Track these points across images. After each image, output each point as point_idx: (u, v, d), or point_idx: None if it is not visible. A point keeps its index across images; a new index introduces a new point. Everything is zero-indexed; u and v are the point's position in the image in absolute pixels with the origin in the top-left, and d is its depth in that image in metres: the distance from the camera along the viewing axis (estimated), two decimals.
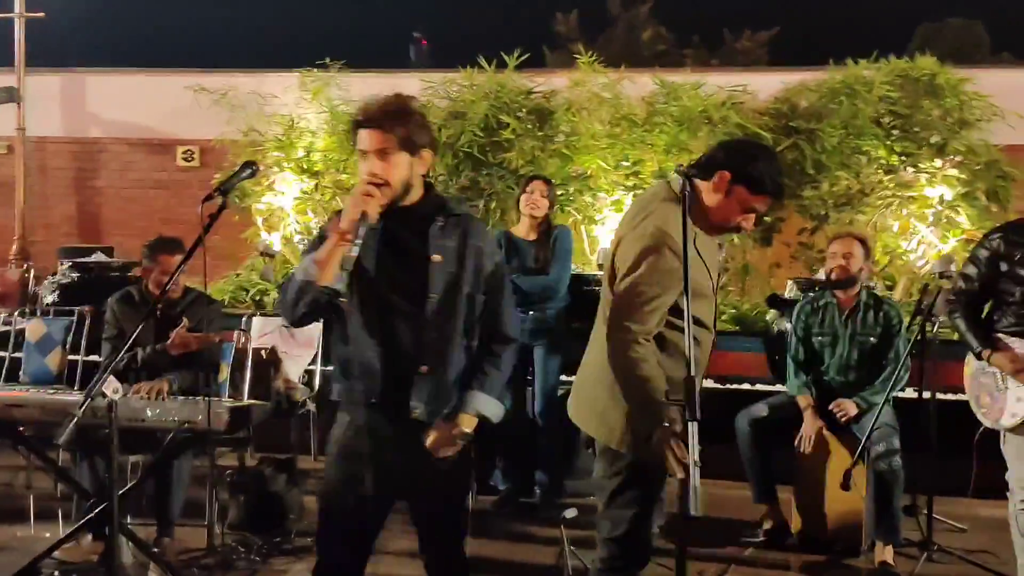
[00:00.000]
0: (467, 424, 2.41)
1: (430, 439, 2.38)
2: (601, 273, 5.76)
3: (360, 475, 2.39)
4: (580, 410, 2.65)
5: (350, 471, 2.40)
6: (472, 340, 2.45)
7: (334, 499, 2.44)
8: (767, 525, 4.23)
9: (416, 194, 2.41)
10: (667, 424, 2.29)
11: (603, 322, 2.54)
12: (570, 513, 3.69)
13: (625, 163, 6.72)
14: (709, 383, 5.37)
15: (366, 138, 2.33)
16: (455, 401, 2.41)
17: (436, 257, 2.38)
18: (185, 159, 9.23)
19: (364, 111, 2.35)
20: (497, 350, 2.48)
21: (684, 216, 2.30)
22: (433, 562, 2.55)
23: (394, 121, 2.31)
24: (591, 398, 2.59)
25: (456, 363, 2.41)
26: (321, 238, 2.38)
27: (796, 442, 4.13)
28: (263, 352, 4.51)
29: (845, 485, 4.00)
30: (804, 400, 4.18)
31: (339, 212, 2.34)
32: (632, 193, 6.67)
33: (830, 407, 4.10)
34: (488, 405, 2.44)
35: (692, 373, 2.15)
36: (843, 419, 4.07)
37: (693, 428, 2.07)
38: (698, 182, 2.52)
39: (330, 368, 5.32)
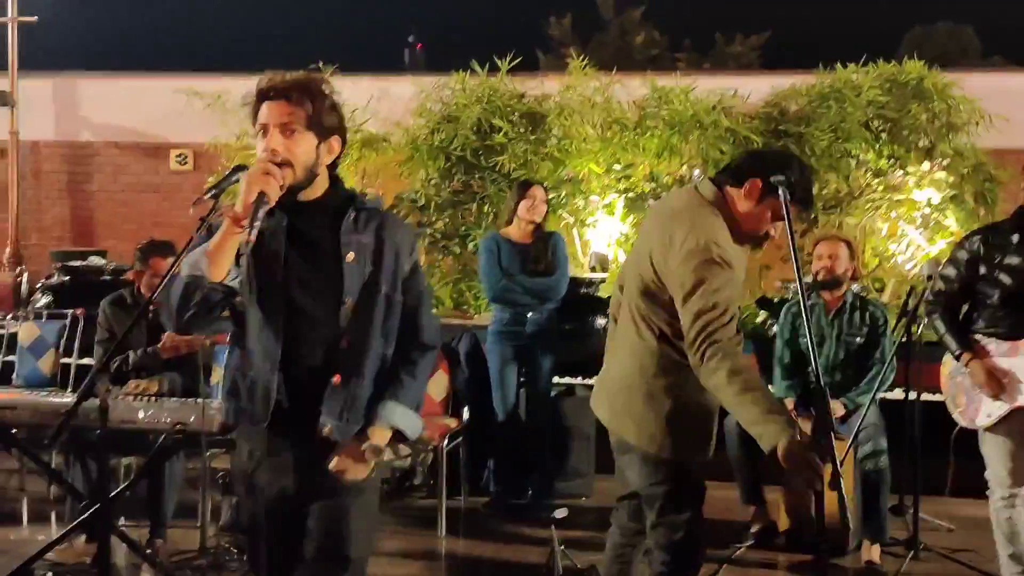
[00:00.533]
0: (379, 438, 2.11)
1: (335, 460, 2.07)
2: (594, 276, 5.82)
3: (273, 507, 2.12)
4: (617, 418, 2.64)
5: (261, 505, 2.14)
6: (388, 348, 2.16)
7: (255, 533, 2.18)
8: (756, 527, 4.27)
9: (322, 187, 2.13)
10: (796, 435, 2.26)
11: (634, 331, 2.56)
12: (560, 513, 3.72)
13: (617, 167, 6.76)
14: None
15: (268, 110, 2.06)
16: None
17: (350, 256, 2.10)
18: (178, 163, 9.25)
19: (270, 81, 2.09)
20: (414, 357, 2.19)
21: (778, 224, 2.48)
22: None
23: (303, 95, 2.05)
24: (627, 407, 2.59)
25: (371, 373, 2.13)
26: (209, 231, 2.09)
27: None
28: None
29: (833, 484, 4.03)
30: (790, 403, 4.22)
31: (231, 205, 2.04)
32: (624, 196, 6.72)
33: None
34: (404, 417, 2.14)
35: (821, 383, 2.22)
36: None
37: (832, 440, 2.14)
38: (729, 189, 2.54)
39: None
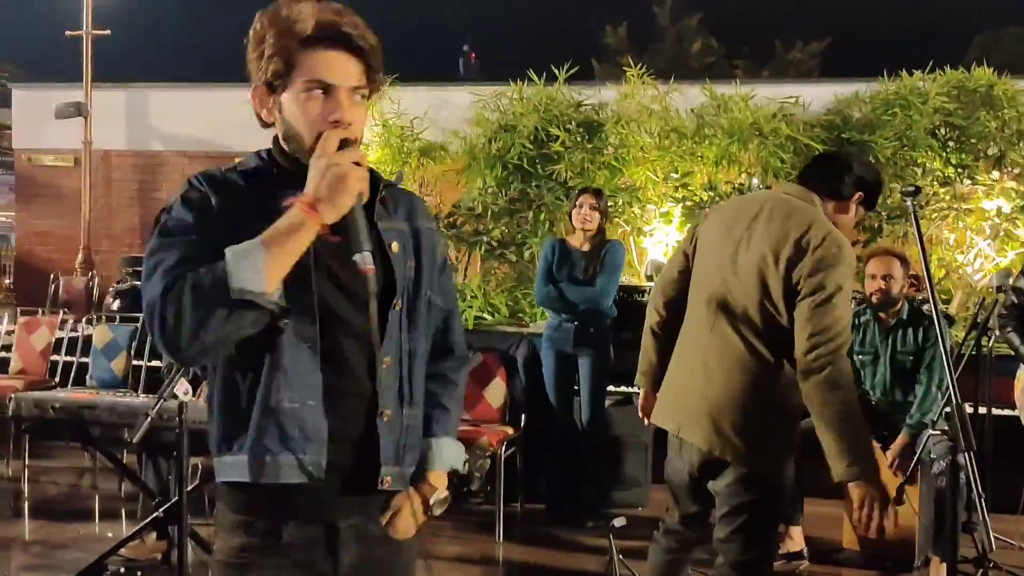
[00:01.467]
0: (443, 484, 1.66)
1: (397, 521, 1.60)
2: (651, 284, 5.79)
3: None
4: (722, 438, 2.45)
5: None
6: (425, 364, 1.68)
7: None
8: (786, 549, 4.06)
9: None
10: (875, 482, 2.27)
11: (742, 345, 2.43)
12: (619, 522, 3.71)
13: (674, 175, 6.74)
14: None
15: (335, 65, 1.48)
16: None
17: (395, 246, 1.58)
18: None
19: (333, 20, 1.47)
20: (454, 376, 1.74)
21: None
22: None
23: (375, 53, 1.52)
24: (738, 425, 2.43)
25: (421, 398, 1.65)
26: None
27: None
28: None
29: (899, 500, 3.94)
30: None
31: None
32: (681, 204, 6.69)
33: (890, 464, 3.98)
34: (456, 453, 1.70)
35: (957, 402, 2.18)
36: (905, 461, 3.95)
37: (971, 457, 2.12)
38: (824, 200, 2.52)
39: None
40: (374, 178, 1.57)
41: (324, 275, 1.51)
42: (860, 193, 2.52)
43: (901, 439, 3.94)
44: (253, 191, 1.54)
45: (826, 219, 2.45)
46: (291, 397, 1.49)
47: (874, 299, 4.04)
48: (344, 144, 1.45)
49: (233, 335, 1.41)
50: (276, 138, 1.58)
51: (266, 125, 1.58)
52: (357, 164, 1.44)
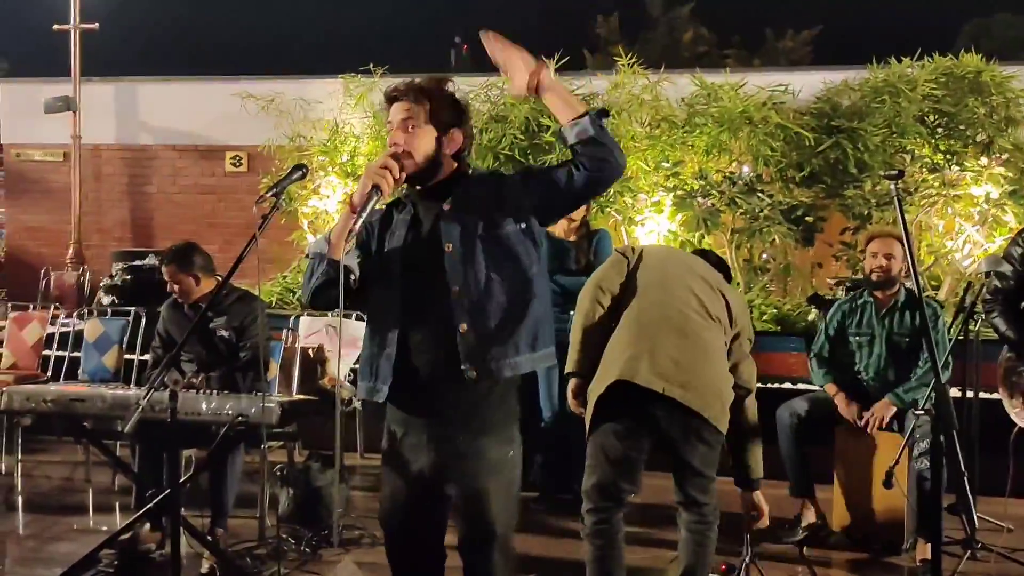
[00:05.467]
0: None
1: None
2: None
3: (412, 485, 2.31)
4: (709, 400, 2.99)
5: (401, 483, 2.34)
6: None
7: (391, 511, 2.37)
8: (806, 521, 4.23)
9: (447, 174, 2.34)
10: None
11: (716, 335, 3.09)
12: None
13: (665, 164, 6.75)
14: None
15: (392, 110, 2.33)
16: None
17: (446, 206, 2.33)
18: (233, 165, 9.46)
19: (395, 86, 2.36)
20: None
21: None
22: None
23: (421, 95, 2.29)
24: (718, 389, 3.03)
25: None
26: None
27: (857, 420, 4.10)
28: (310, 351, 4.65)
29: (887, 483, 3.99)
30: (831, 388, 4.18)
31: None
32: (672, 194, 6.70)
33: (863, 422, 4.06)
34: None
35: (943, 381, 2.41)
36: (880, 424, 4.04)
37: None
38: None
39: None
40: (464, 177, 2.36)
41: (410, 252, 2.31)
42: None
43: (883, 401, 4.00)
44: (391, 207, 2.44)
45: None
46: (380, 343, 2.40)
47: (874, 276, 4.11)
48: (396, 157, 2.24)
49: (313, 284, 2.27)
50: None
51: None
52: (384, 168, 2.18)
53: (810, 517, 4.24)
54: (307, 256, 2.34)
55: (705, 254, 3.57)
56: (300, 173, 2.72)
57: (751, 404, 3.19)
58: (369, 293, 2.30)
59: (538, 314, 2.24)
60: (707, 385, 2.99)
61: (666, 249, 3.52)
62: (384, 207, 2.33)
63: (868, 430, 4.05)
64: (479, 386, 2.19)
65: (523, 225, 2.25)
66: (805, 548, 3.96)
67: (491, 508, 2.22)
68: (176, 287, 4.09)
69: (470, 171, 2.38)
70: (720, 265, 3.45)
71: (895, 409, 4.05)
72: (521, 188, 2.27)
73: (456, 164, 2.33)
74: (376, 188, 2.16)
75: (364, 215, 2.16)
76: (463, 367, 2.17)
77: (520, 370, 2.23)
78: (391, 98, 2.34)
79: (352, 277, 2.25)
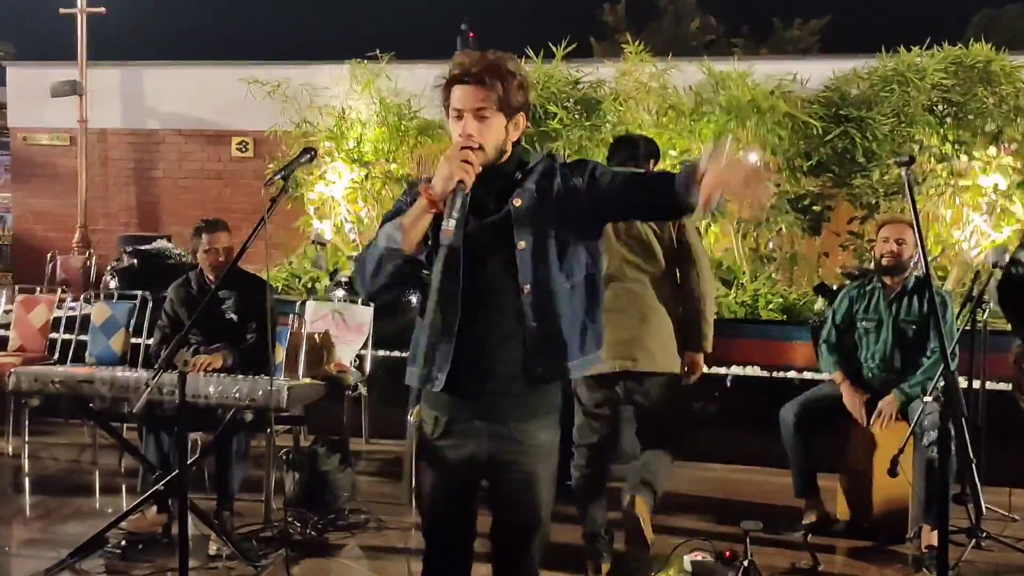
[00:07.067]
0: None
1: None
2: None
3: (456, 473, 2.22)
4: (664, 355, 3.50)
5: (442, 471, 2.23)
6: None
7: (434, 499, 2.25)
8: (808, 520, 4.19)
9: (504, 158, 2.16)
10: None
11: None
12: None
13: (672, 152, 6.73)
14: (757, 371, 5.39)
15: (463, 95, 2.09)
16: None
17: (517, 202, 2.15)
18: (239, 150, 9.46)
19: (461, 66, 2.11)
20: None
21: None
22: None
23: (494, 78, 2.08)
24: (670, 341, 3.53)
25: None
26: (404, 202, 2.14)
27: (863, 419, 4.11)
28: (316, 336, 4.64)
29: (892, 471, 3.99)
30: (839, 376, 4.18)
31: (428, 178, 2.08)
32: None
33: (872, 420, 4.05)
34: None
35: (951, 367, 2.40)
36: (888, 419, 4.03)
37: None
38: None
39: (383, 353, 5.47)
40: (522, 163, 2.18)
41: (470, 240, 2.11)
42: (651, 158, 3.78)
43: (890, 398, 4.00)
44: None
45: None
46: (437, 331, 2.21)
47: (884, 261, 4.11)
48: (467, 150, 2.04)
49: (381, 279, 2.08)
50: None
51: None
52: (467, 163, 2.00)
53: (812, 517, 4.18)
54: (375, 249, 2.09)
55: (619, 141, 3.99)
56: (308, 156, 2.73)
57: (695, 275, 3.57)
58: (427, 279, 2.15)
59: (596, 316, 2.19)
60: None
61: None
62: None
63: (879, 428, 4.03)
64: (538, 380, 2.15)
65: (589, 225, 2.17)
66: (809, 536, 3.96)
67: (539, 494, 2.19)
68: (219, 260, 4.08)
69: (527, 156, 2.21)
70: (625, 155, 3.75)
71: (898, 407, 4.03)
72: (588, 188, 2.14)
73: (513, 147, 2.18)
74: (462, 183, 1.99)
75: (456, 215, 1.97)
76: (531, 365, 2.11)
77: (579, 372, 2.18)
78: (459, 80, 2.10)
79: (424, 272, 2.13)
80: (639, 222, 3.47)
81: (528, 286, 2.09)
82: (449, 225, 1.96)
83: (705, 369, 3.74)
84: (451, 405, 2.17)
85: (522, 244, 2.09)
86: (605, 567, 3.58)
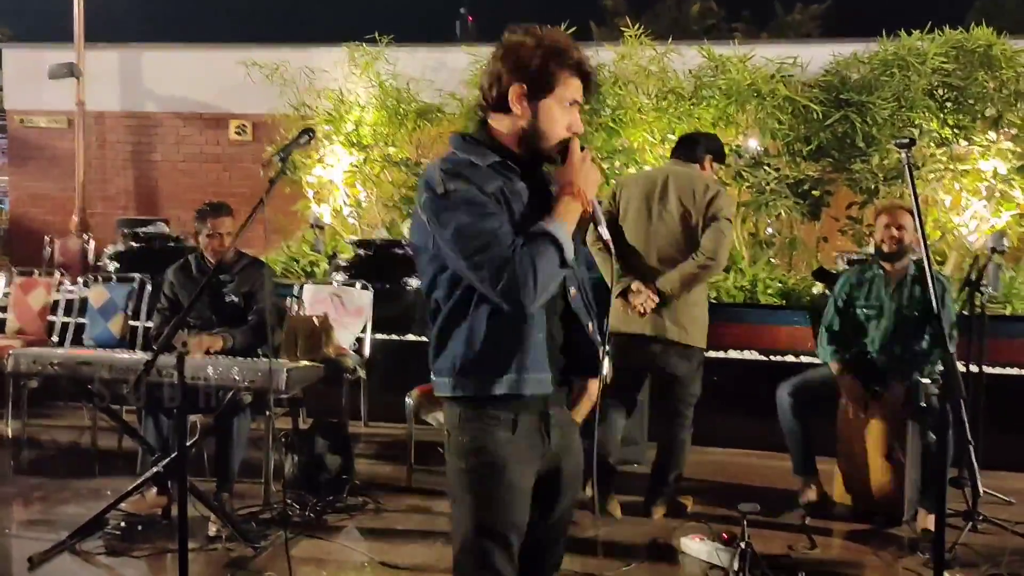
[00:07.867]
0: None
1: (584, 405, 2.13)
2: None
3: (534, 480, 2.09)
4: (694, 329, 3.99)
5: (520, 482, 2.04)
6: None
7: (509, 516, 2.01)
8: (808, 498, 4.24)
9: None
10: None
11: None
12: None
13: (672, 136, 6.71)
14: (755, 356, 5.41)
15: (580, 89, 2.07)
16: None
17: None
18: (238, 133, 9.43)
19: (584, 59, 2.08)
20: None
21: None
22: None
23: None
24: (699, 316, 4.02)
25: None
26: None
27: (845, 406, 4.12)
28: (315, 319, 4.65)
29: (889, 455, 4.01)
30: (836, 366, 4.18)
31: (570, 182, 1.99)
32: None
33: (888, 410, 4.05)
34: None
35: (950, 349, 2.43)
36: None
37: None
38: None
39: (382, 336, 5.47)
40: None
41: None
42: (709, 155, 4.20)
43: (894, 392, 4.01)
44: (501, 175, 1.97)
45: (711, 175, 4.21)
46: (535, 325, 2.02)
47: (884, 247, 4.10)
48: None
49: (554, 290, 1.93)
50: (489, 127, 2.04)
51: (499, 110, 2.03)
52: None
53: (811, 496, 4.23)
54: (551, 260, 1.89)
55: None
56: (307, 137, 2.71)
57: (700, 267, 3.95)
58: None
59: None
60: None
61: (643, 178, 4.51)
62: (490, 167, 1.98)
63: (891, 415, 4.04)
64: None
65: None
66: (807, 519, 3.98)
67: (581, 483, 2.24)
68: (222, 244, 4.07)
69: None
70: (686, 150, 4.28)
71: (906, 393, 4.03)
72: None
73: None
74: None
75: (604, 228, 2.00)
76: (600, 365, 2.07)
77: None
78: (587, 75, 2.07)
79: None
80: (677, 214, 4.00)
81: (574, 288, 2.05)
82: (604, 231, 1.98)
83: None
84: (553, 399, 2.06)
85: (599, 229, 2.04)
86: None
